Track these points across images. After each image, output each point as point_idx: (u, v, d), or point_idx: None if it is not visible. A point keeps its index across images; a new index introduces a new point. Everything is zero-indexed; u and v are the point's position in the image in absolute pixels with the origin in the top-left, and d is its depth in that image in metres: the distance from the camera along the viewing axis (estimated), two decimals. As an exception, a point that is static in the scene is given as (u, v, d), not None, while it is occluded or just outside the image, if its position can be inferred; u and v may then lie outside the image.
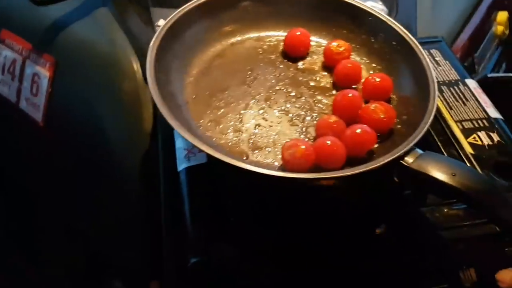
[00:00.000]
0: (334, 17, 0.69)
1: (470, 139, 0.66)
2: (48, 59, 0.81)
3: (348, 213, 0.59)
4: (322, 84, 0.65)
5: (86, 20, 0.81)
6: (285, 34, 0.68)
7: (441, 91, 0.71)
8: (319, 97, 0.64)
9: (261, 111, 0.61)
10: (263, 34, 0.69)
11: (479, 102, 0.70)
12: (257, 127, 0.60)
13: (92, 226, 0.82)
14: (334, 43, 0.66)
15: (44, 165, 0.87)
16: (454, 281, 0.60)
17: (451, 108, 0.69)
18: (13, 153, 0.91)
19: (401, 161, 0.53)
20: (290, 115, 0.61)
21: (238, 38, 0.68)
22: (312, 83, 0.65)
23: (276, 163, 0.57)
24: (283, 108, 0.62)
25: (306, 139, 0.60)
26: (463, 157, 0.64)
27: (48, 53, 0.81)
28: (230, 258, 0.54)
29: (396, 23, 0.66)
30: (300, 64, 0.67)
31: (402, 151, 0.53)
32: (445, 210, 0.59)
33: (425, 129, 0.55)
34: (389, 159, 0.53)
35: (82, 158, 0.80)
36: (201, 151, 0.52)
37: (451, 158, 0.60)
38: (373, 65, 0.67)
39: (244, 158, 0.57)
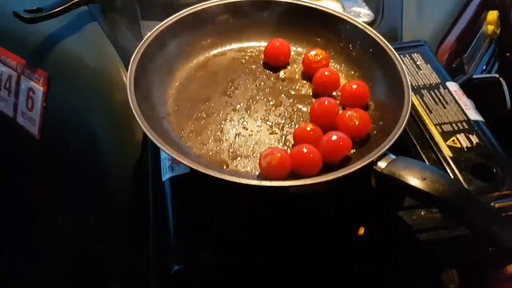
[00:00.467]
0: (313, 27, 0.71)
1: (449, 142, 0.67)
2: (41, 74, 0.84)
3: (327, 218, 0.60)
4: (301, 93, 0.67)
5: (77, 35, 0.84)
6: (266, 44, 0.70)
7: (421, 95, 0.72)
8: (298, 106, 0.66)
9: (241, 121, 0.63)
10: (244, 45, 0.71)
11: (459, 104, 0.72)
12: (237, 136, 0.62)
13: (87, 231, 0.85)
14: (312, 52, 0.68)
15: (41, 174, 0.90)
16: (437, 283, 0.62)
17: (430, 112, 0.70)
18: (13, 164, 0.94)
19: (374, 167, 0.55)
20: (270, 123, 0.63)
21: (220, 49, 0.70)
22: (292, 92, 0.67)
23: (255, 172, 0.59)
24: (263, 117, 0.64)
25: (285, 147, 0.61)
26: (442, 160, 0.65)
27: (41, 69, 0.84)
28: (212, 265, 0.56)
29: (373, 30, 0.68)
30: (280, 74, 0.69)
31: (374, 156, 0.55)
32: (423, 213, 0.60)
33: (397, 135, 0.57)
34: (361, 165, 0.54)
35: (76, 167, 0.83)
36: (179, 162, 0.54)
37: (423, 163, 0.62)
38: (352, 72, 0.69)
39: (224, 167, 0.59)
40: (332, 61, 0.69)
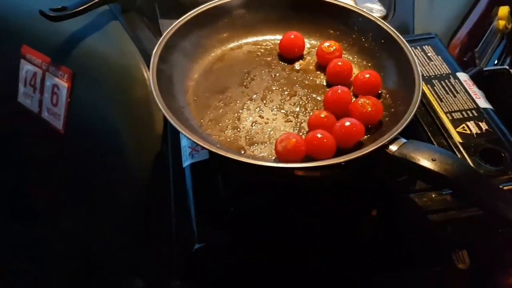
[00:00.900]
0: (326, 20, 0.73)
1: (459, 129, 0.69)
2: (66, 71, 0.88)
3: (341, 201, 0.63)
4: (316, 83, 0.70)
5: (99, 34, 0.87)
6: (281, 37, 0.73)
7: (432, 84, 0.75)
8: (313, 95, 0.68)
9: (257, 109, 0.66)
10: (260, 38, 0.74)
11: (469, 93, 0.74)
12: (253, 124, 0.64)
13: (108, 224, 0.88)
14: (326, 44, 0.71)
15: (63, 169, 0.93)
16: (447, 263, 0.64)
17: (441, 100, 0.72)
18: (36, 159, 0.98)
19: (385, 150, 0.57)
20: (285, 112, 0.66)
21: (236, 43, 0.73)
22: (306, 82, 0.70)
23: (272, 157, 0.61)
24: (278, 106, 0.67)
25: (300, 134, 0.64)
26: (452, 146, 0.67)
27: (66, 66, 0.88)
28: (230, 245, 0.59)
29: (384, 22, 0.70)
30: (295, 65, 0.72)
31: (386, 140, 0.57)
32: (433, 196, 0.63)
33: (408, 119, 0.59)
34: (373, 148, 0.57)
35: (98, 160, 0.86)
36: (199, 145, 0.57)
37: (432, 145, 0.64)
38: (364, 62, 0.71)
39: (242, 152, 0.62)
40: (345, 52, 0.72)
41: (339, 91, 0.65)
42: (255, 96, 0.67)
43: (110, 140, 0.85)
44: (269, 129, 0.64)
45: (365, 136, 0.62)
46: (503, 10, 1.12)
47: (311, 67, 0.72)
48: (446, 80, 0.75)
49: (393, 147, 0.57)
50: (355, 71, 0.70)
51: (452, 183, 0.54)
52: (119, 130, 0.84)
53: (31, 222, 1.05)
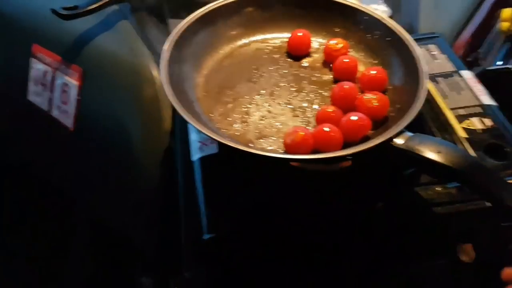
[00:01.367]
0: (333, 18, 0.75)
1: (464, 125, 0.70)
2: (76, 69, 0.89)
3: (348, 194, 0.64)
4: (323, 79, 0.71)
5: (109, 33, 0.88)
6: (288, 35, 0.74)
7: (436, 81, 0.76)
8: (320, 91, 0.70)
9: (266, 104, 0.67)
10: (268, 36, 0.76)
11: (473, 91, 0.75)
12: (262, 118, 0.66)
13: (118, 219, 0.89)
14: (333, 41, 0.72)
15: (74, 166, 0.94)
16: (452, 256, 0.65)
17: (446, 97, 0.74)
18: (46, 156, 0.99)
19: (391, 143, 0.59)
20: (293, 107, 0.67)
21: (245, 40, 0.75)
22: (313, 79, 0.71)
23: (280, 150, 0.63)
24: (286, 101, 0.68)
25: (308, 128, 0.65)
26: (457, 141, 0.68)
27: (76, 64, 0.89)
28: (238, 235, 0.60)
29: (389, 20, 0.72)
30: (303, 63, 0.73)
31: (392, 133, 0.58)
32: (438, 189, 0.64)
33: (414, 114, 0.60)
34: (380, 141, 0.58)
35: (108, 157, 0.87)
36: (209, 137, 0.58)
37: (438, 138, 0.65)
38: (370, 60, 0.73)
39: (250, 145, 0.63)
40: (351, 50, 0.73)
41: (346, 86, 0.66)
42: (263, 91, 0.69)
43: (119, 137, 0.86)
44: (277, 124, 0.65)
45: (372, 131, 0.64)
46: (507, 12, 1.13)
47: (318, 64, 0.73)
48: (451, 78, 0.77)
49: (399, 141, 0.59)
50: (362, 68, 0.72)
51: (458, 174, 0.56)
52: (128, 128, 0.85)
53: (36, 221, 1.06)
